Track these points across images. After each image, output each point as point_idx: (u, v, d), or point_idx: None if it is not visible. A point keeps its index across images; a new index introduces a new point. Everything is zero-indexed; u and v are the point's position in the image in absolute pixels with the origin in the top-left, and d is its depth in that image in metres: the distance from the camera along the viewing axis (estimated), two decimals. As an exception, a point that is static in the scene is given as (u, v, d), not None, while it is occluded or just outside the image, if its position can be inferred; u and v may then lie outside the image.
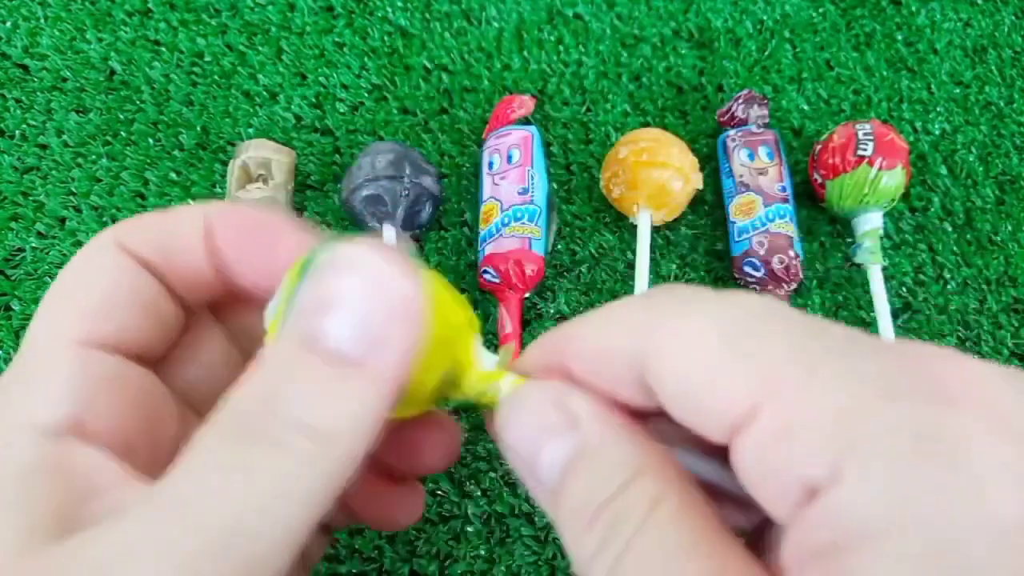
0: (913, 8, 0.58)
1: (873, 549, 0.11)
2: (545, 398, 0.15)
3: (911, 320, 0.46)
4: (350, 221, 0.48)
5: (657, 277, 0.47)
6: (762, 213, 0.45)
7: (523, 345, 0.44)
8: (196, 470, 0.14)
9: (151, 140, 0.50)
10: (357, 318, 0.14)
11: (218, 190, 0.48)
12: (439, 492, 0.40)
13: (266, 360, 0.15)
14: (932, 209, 0.50)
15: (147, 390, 0.17)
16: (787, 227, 0.45)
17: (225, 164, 0.49)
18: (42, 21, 0.54)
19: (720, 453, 0.14)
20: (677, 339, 0.13)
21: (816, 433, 0.12)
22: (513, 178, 0.47)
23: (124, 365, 0.17)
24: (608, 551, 0.13)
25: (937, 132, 0.53)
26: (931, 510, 0.11)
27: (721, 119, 0.51)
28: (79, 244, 0.46)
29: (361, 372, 0.14)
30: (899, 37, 0.57)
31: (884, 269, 0.46)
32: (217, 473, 0.13)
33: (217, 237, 0.18)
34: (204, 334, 0.20)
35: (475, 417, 0.42)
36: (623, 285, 0.47)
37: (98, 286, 0.17)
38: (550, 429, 0.15)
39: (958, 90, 0.55)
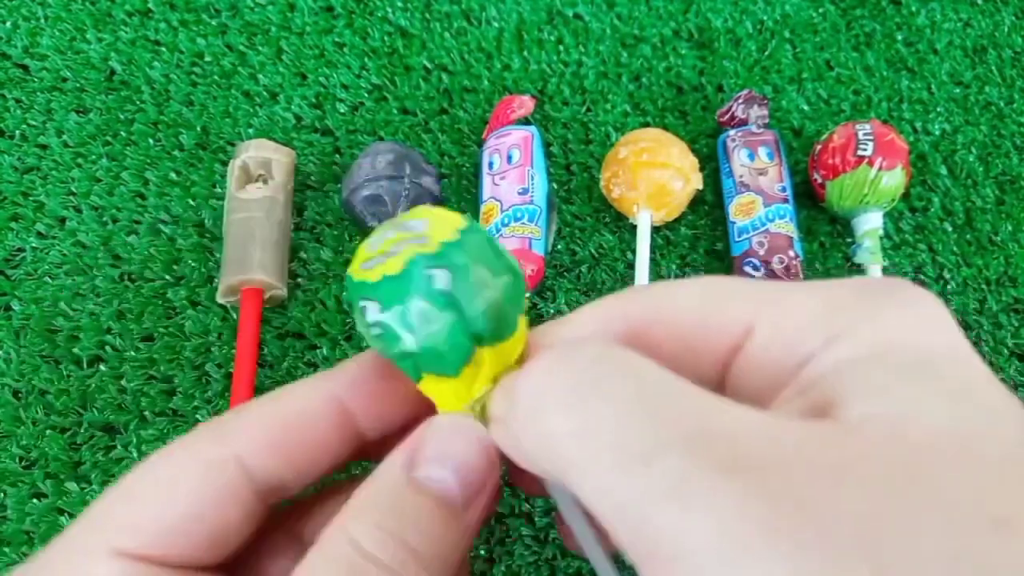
0: (913, 8, 0.58)
1: (858, 372, 0.14)
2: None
3: (911, 320, 0.46)
4: (350, 221, 0.48)
5: (657, 277, 0.47)
6: (762, 213, 0.45)
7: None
8: None
9: (151, 140, 0.50)
10: (463, 473, 0.16)
11: (218, 190, 0.48)
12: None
13: (379, 492, 0.16)
14: (932, 209, 0.50)
15: None
16: (787, 227, 0.45)
17: (225, 164, 0.49)
18: (42, 21, 0.54)
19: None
20: (668, 297, 0.17)
21: (807, 322, 0.15)
22: (513, 178, 0.47)
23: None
24: None
25: (937, 132, 0.53)
26: (903, 340, 0.14)
27: (721, 119, 0.51)
28: (79, 244, 0.46)
29: (464, 514, 0.16)
30: (899, 37, 0.57)
31: (884, 269, 0.46)
32: None
33: (356, 415, 0.18)
34: (280, 540, 0.19)
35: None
36: (623, 285, 0.47)
37: (175, 503, 0.16)
38: None
39: (958, 90, 0.55)
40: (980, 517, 0.11)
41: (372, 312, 0.16)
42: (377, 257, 0.17)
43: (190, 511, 0.16)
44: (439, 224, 0.17)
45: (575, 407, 0.14)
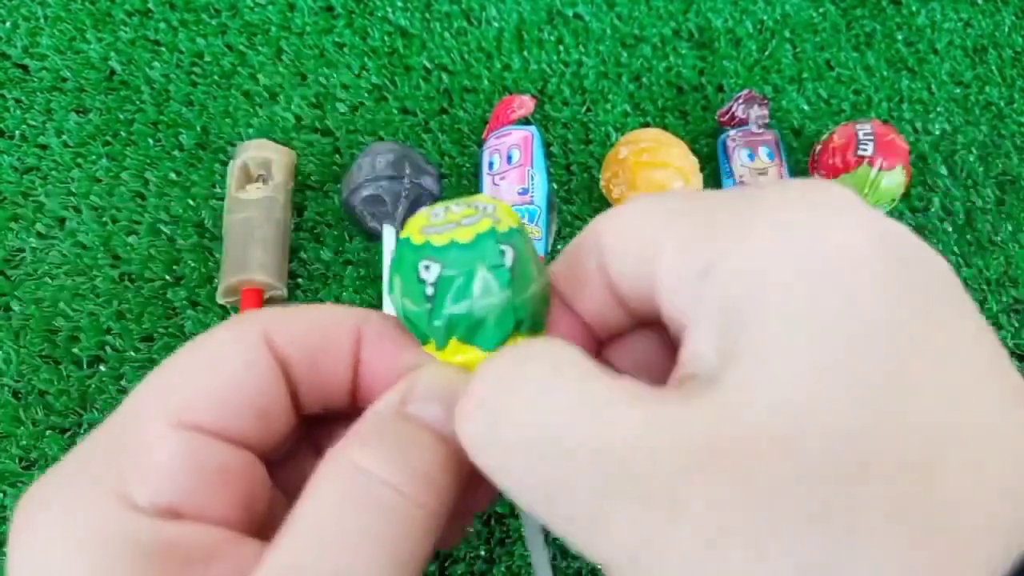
0: (913, 8, 0.58)
1: (752, 300, 0.14)
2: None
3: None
4: (350, 221, 0.48)
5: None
6: (762, 213, 0.45)
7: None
8: (307, 537, 0.15)
9: (151, 140, 0.50)
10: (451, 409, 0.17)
11: (218, 190, 0.48)
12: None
13: (378, 422, 0.17)
14: (932, 209, 0.50)
15: (247, 479, 0.17)
16: (787, 227, 0.45)
17: (225, 164, 0.49)
18: (42, 21, 0.54)
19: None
20: (611, 225, 0.17)
21: (700, 240, 0.15)
22: (513, 178, 0.47)
23: (231, 454, 0.16)
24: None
25: (937, 132, 0.53)
26: (789, 258, 0.14)
27: (721, 119, 0.51)
28: (79, 244, 0.46)
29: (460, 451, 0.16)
30: (899, 37, 0.57)
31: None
32: (327, 539, 0.15)
33: (365, 350, 0.18)
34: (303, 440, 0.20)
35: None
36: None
37: (229, 378, 0.17)
38: None
39: (958, 90, 0.55)
40: (800, 516, 0.12)
41: (432, 272, 0.17)
42: (445, 225, 0.18)
43: (242, 385, 0.17)
44: (506, 212, 0.18)
45: (500, 422, 0.15)
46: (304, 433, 0.19)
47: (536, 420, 0.14)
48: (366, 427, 0.16)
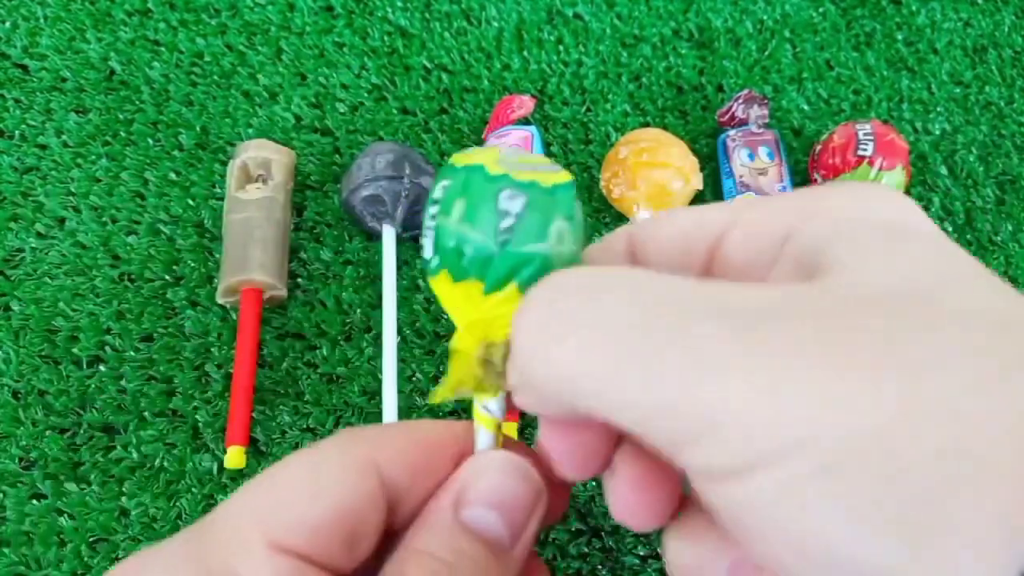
0: (913, 8, 0.58)
1: (841, 238, 0.15)
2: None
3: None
4: (350, 221, 0.48)
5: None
6: (762, 213, 0.45)
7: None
8: None
9: (151, 140, 0.50)
10: (508, 513, 0.17)
11: (218, 190, 0.48)
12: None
13: (431, 533, 0.17)
14: (932, 209, 0.50)
15: None
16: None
17: (225, 164, 0.49)
18: (42, 21, 0.54)
19: None
20: (659, 218, 0.18)
21: (784, 207, 0.16)
22: (513, 178, 0.46)
23: None
24: None
25: (937, 132, 0.53)
26: (878, 215, 0.16)
27: (721, 119, 0.51)
28: (79, 244, 0.46)
29: (511, 551, 0.17)
30: (899, 37, 0.57)
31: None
32: None
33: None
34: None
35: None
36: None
37: (334, 506, 0.16)
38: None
39: (958, 90, 0.55)
40: (989, 319, 0.12)
41: (516, 203, 0.16)
42: (520, 164, 0.17)
43: (346, 514, 0.16)
44: (568, 176, 0.18)
45: (573, 328, 0.14)
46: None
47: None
48: (419, 538, 0.16)
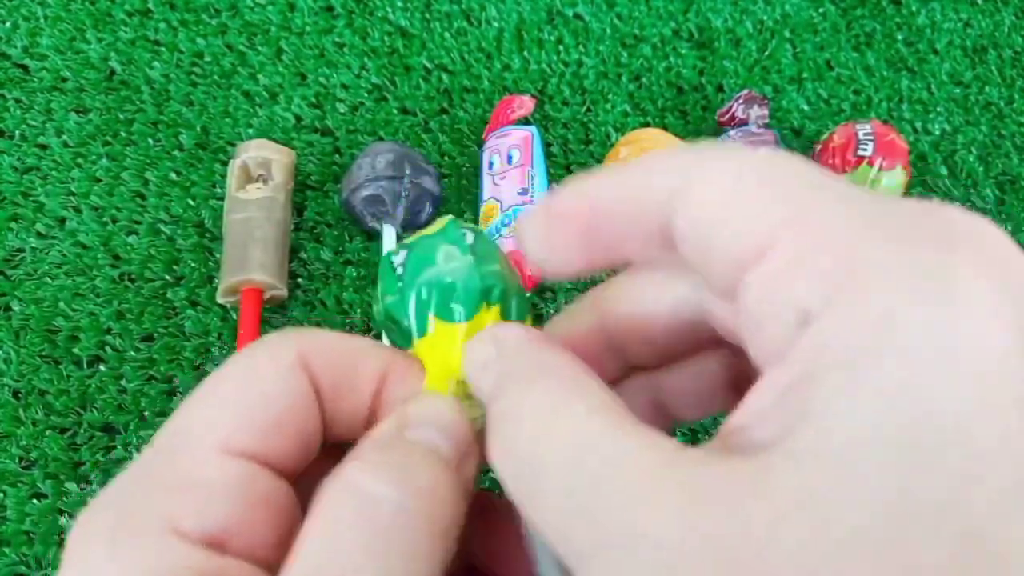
0: (913, 8, 0.58)
1: (841, 377, 0.11)
2: (478, 337, 0.18)
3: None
4: (350, 221, 0.48)
5: (657, 277, 0.47)
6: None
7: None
8: (313, 562, 0.15)
9: (151, 140, 0.50)
10: (452, 435, 0.17)
11: (218, 190, 0.48)
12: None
13: (377, 445, 0.17)
14: (932, 209, 0.50)
15: (287, 510, 0.16)
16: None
17: (225, 164, 0.49)
18: (42, 21, 0.54)
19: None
20: (700, 183, 0.14)
21: (819, 268, 0.12)
22: (513, 178, 0.47)
23: (273, 481, 0.16)
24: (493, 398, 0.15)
25: (937, 132, 0.53)
26: (915, 342, 0.11)
27: (721, 119, 0.51)
28: (79, 244, 0.46)
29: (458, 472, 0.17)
30: (899, 37, 0.57)
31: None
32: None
33: (388, 385, 0.18)
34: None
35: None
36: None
37: (271, 402, 0.16)
38: (484, 360, 0.17)
39: (958, 90, 0.55)
40: None
41: (402, 255, 0.18)
42: (414, 235, 0.19)
43: (284, 409, 0.16)
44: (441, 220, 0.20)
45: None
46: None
47: (576, 485, 0.13)
48: (365, 450, 0.16)
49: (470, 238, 0.18)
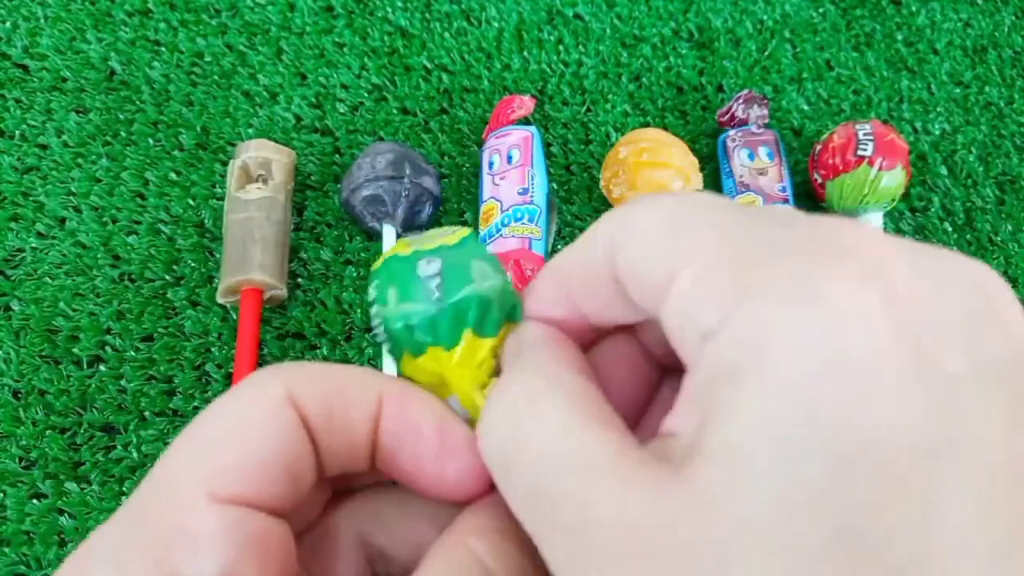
0: (913, 8, 0.58)
1: (730, 386, 0.13)
2: (512, 335, 0.19)
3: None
4: (350, 221, 0.48)
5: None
6: (762, 213, 0.45)
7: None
8: None
9: (151, 140, 0.50)
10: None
11: (218, 190, 0.48)
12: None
13: (496, 509, 0.17)
14: (932, 209, 0.50)
15: (283, 551, 0.17)
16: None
17: (225, 164, 0.49)
18: (42, 21, 0.54)
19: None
20: (628, 231, 0.16)
21: (714, 290, 0.14)
22: (513, 178, 0.47)
23: (264, 522, 0.16)
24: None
25: (937, 132, 0.53)
26: (789, 347, 0.12)
27: (721, 119, 0.51)
28: (79, 244, 0.46)
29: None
30: (899, 37, 0.57)
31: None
32: None
33: (387, 413, 0.18)
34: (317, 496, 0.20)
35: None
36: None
37: (257, 443, 0.16)
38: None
39: (958, 90, 0.55)
40: None
41: (434, 266, 0.18)
42: (423, 241, 0.19)
43: (272, 450, 0.16)
44: (454, 232, 0.20)
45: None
46: (325, 505, 0.19)
47: (541, 480, 0.15)
48: (482, 513, 0.17)
49: (490, 251, 0.19)
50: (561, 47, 0.55)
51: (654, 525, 0.13)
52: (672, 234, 0.15)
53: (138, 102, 0.51)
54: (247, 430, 0.16)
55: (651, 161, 0.45)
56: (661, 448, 0.14)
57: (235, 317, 0.44)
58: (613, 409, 0.16)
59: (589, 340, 0.19)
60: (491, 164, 0.48)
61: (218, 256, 0.46)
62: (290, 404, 0.17)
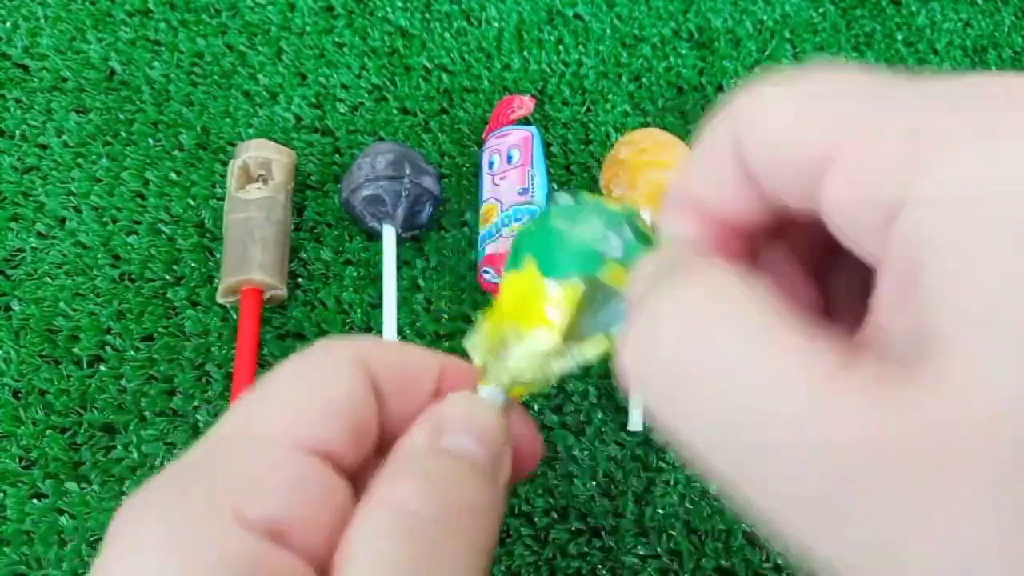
0: (913, 8, 0.58)
1: (957, 256, 0.11)
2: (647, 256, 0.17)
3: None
4: (350, 221, 0.48)
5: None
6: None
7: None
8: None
9: (151, 140, 0.50)
10: (486, 440, 0.17)
11: (218, 190, 0.48)
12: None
13: (412, 459, 0.17)
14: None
15: (343, 503, 0.16)
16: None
17: (225, 164, 0.49)
18: (42, 21, 0.54)
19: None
20: (756, 112, 0.14)
21: (887, 156, 0.12)
22: (513, 178, 0.47)
23: (333, 477, 0.16)
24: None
25: (937, 132, 0.53)
26: (1005, 193, 0.10)
27: (721, 119, 0.51)
28: (79, 244, 0.46)
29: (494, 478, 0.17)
30: (899, 37, 0.57)
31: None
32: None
33: (447, 387, 0.19)
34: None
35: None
36: (623, 285, 0.47)
37: (335, 397, 0.17)
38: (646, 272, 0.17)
39: (958, 90, 0.55)
40: None
41: (623, 235, 0.18)
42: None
43: (348, 408, 0.17)
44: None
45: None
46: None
47: (735, 396, 0.12)
48: (402, 465, 0.17)
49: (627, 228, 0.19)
50: (561, 47, 0.55)
51: (905, 438, 0.10)
52: (812, 111, 0.13)
53: (138, 102, 0.51)
54: (323, 383, 0.17)
55: (651, 161, 0.45)
56: (876, 346, 0.12)
57: (235, 317, 0.44)
58: (801, 308, 0.14)
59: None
60: (491, 164, 0.48)
61: (218, 256, 0.46)
62: (364, 369, 0.17)
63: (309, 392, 0.17)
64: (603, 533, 0.40)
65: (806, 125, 0.13)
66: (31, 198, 0.48)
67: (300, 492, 0.15)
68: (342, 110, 0.52)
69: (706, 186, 0.16)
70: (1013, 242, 0.10)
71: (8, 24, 0.54)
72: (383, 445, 0.18)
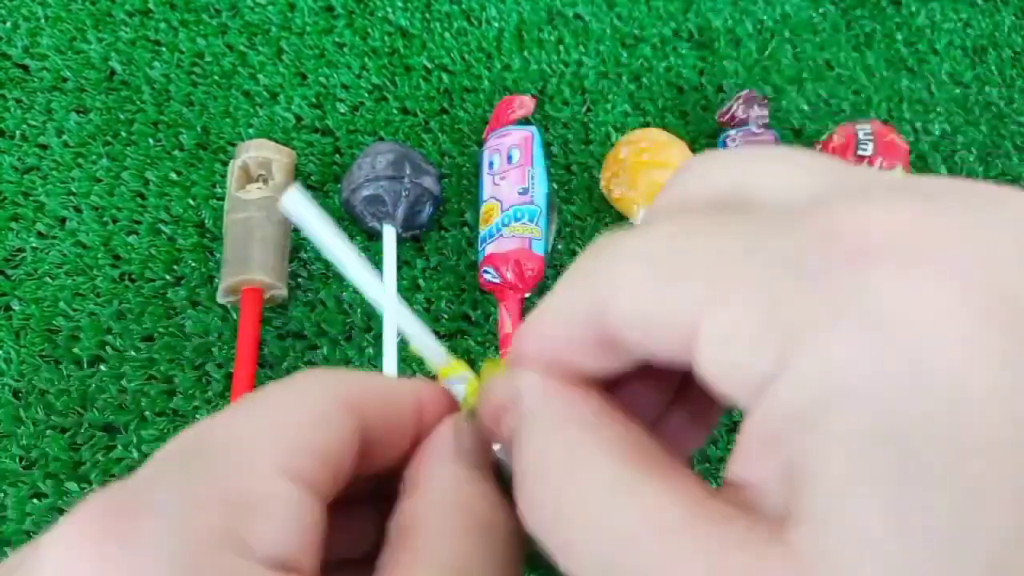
0: (913, 8, 0.58)
1: (817, 431, 0.11)
2: (494, 382, 0.17)
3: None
4: (350, 221, 0.48)
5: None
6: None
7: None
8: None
9: (151, 140, 0.50)
10: None
11: (218, 190, 0.48)
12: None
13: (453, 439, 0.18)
14: (932, 209, 0.50)
15: (325, 535, 0.17)
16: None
17: (225, 164, 0.49)
18: (42, 21, 0.54)
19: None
20: (614, 286, 0.14)
21: (755, 329, 0.12)
22: (513, 178, 0.47)
23: (320, 511, 0.16)
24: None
25: (937, 133, 0.53)
26: (870, 380, 0.11)
27: (721, 119, 0.51)
28: (79, 244, 0.46)
29: None
30: (899, 37, 0.57)
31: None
32: None
33: (428, 418, 0.18)
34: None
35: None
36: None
37: (323, 430, 0.16)
38: (501, 409, 0.17)
39: (958, 90, 0.55)
40: None
41: None
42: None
43: (335, 440, 0.16)
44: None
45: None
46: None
47: (602, 548, 0.13)
48: (438, 446, 0.18)
49: None
50: (561, 47, 0.55)
51: None
52: (672, 277, 0.13)
53: (138, 102, 0.51)
54: (315, 416, 0.17)
55: (651, 161, 0.45)
56: (741, 500, 0.13)
57: (235, 317, 0.44)
58: (663, 449, 0.14)
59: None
60: (491, 164, 0.48)
61: (218, 256, 0.46)
62: (356, 411, 0.17)
63: (304, 422, 0.16)
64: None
65: (668, 294, 0.13)
66: (31, 198, 0.48)
67: (301, 525, 0.15)
68: (342, 110, 0.52)
69: (561, 352, 0.16)
70: (871, 439, 0.10)
71: (8, 24, 0.54)
72: (354, 479, 0.18)
